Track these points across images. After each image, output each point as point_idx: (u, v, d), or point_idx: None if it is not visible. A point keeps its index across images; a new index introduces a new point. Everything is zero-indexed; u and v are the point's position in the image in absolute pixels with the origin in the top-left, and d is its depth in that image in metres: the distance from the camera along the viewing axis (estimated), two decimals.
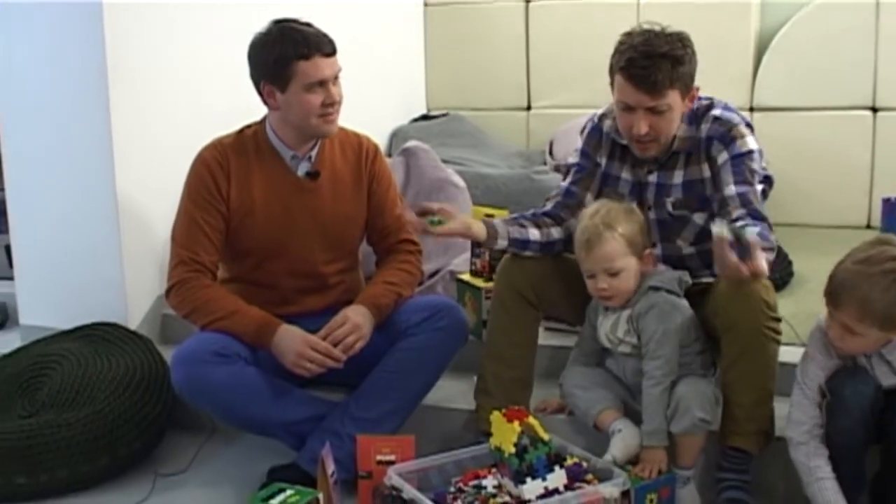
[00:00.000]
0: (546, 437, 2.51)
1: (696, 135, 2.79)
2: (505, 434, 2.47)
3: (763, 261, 2.38)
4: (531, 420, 2.52)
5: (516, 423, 2.48)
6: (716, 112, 2.78)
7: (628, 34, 2.72)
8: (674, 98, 2.67)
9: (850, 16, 4.83)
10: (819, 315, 2.52)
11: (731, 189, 2.70)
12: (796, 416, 2.55)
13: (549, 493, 2.43)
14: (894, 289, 2.30)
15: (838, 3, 4.88)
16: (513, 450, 2.45)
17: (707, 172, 2.78)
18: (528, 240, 2.89)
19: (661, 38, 2.68)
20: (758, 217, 2.65)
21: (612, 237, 2.68)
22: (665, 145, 2.78)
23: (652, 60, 2.62)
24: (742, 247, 2.37)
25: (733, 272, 2.37)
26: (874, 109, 4.84)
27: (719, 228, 2.38)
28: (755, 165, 2.73)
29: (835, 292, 2.39)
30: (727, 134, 2.74)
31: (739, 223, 2.55)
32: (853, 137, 4.85)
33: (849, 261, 2.40)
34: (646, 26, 2.73)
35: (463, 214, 2.87)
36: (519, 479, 2.44)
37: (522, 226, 2.90)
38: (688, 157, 2.81)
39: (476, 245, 2.93)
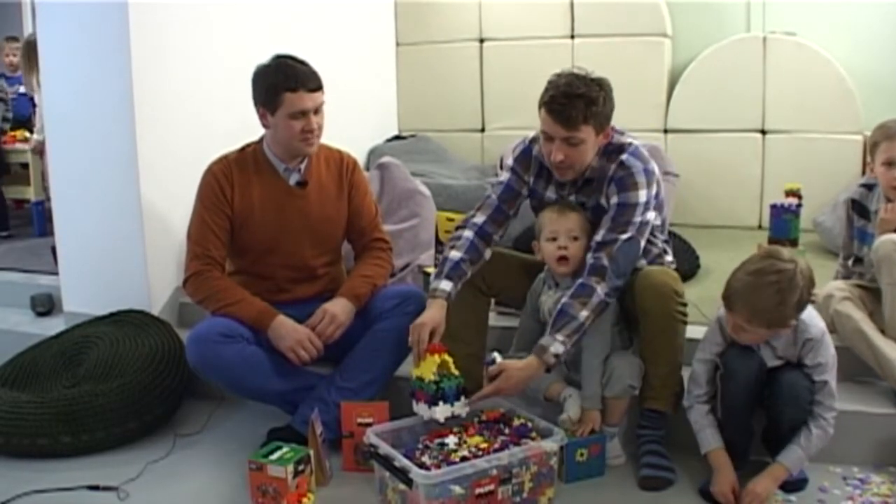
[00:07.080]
0: (456, 373, 2.55)
1: (605, 170, 2.69)
2: (427, 365, 2.52)
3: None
4: (447, 357, 2.56)
5: (437, 356, 2.54)
6: (623, 157, 2.66)
7: (558, 75, 2.64)
8: (587, 133, 2.59)
9: (744, 54, 4.86)
10: (720, 309, 2.53)
11: (599, 235, 2.65)
12: (690, 386, 2.62)
13: (454, 417, 2.52)
14: (777, 297, 2.32)
15: (734, 43, 4.91)
16: (432, 377, 2.50)
17: (606, 204, 2.70)
18: (465, 273, 2.77)
19: (582, 80, 2.59)
20: (600, 265, 2.60)
21: (579, 215, 2.72)
22: (580, 171, 2.70)
23: (569, 99, 2.54)
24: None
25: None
26: (763, 132, 4.87)
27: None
28: (636, 217, 2.62)
29: (730, 298, 2.42)
30: (625, 180, 2.63)
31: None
32: (747, 154, 4.88)
33: (742, 271, 2.41)
34: (574, 70, 2.65)
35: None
36: (433, 402, 2.48)
37: (453, 280, 2.74)
38: (598, 186, 2.72)
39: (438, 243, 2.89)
